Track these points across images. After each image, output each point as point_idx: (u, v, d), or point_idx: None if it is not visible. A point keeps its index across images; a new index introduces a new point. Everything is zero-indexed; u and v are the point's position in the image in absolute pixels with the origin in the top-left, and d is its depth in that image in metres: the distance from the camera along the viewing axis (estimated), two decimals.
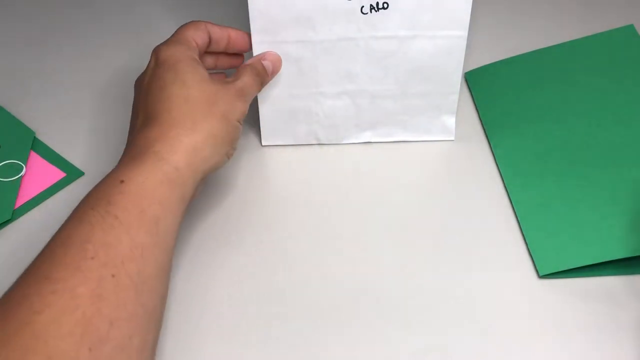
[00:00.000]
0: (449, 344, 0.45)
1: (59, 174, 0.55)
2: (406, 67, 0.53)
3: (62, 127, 0.59)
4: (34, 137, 0.57)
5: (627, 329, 0.45)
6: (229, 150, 0.47)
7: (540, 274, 0.48)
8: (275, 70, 0.52)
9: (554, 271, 0.48)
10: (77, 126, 0.59)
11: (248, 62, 0.51)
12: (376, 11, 0.50)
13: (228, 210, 0.53)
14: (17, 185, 0.54)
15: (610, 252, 0.47)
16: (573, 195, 0.51)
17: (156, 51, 0.48)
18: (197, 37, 0.49)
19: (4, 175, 0.54)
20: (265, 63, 0.51)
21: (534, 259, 0.49)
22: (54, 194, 0.54)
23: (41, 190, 0.54)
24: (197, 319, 0.46)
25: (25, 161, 0.55)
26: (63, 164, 0.56)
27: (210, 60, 0.53)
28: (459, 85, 0.54)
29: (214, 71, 0.54)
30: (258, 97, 0.54)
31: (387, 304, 0.47)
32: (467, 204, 0.53)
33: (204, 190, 0.51)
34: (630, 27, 0.59)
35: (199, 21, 0.50)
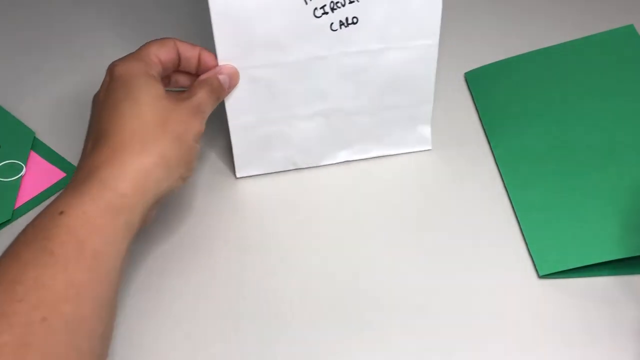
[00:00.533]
0: (448, 345, 0.45)
1: (59, 174, 0.55)
2: (379, 81, 0.52)
3: (62, 127, 0.59)
4: (34, 137, 0.57)
5: (626, 329, 0.45)
6: (184, 172, 0.44)
7: (540, 274, 0.48)
8: (232, 85, 0.50)
9: (554, 271, 0.48)
10: (77, 126, 0.58)
11: (203, 77, 0.48)
12: (346, 27, 0.49)
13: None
14: (17, 185, 0.54)
15: (610, 253, 0.47)
16: (573, 195, 0.51)
17: (111, 66, 0.45)
18: (162, 53, 0.47)
19: (4, 176, 0.54)
20: (222, 77, 0.49)
21: (534, 259, 0.49)
22: (54, 194, 0.54)
23: (41, 190, 0.54)
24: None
25: (25, 161, 0.55)
26: (63, 164, 0.56)
27: (183, 79, 0.51)
28: (433, 94, 0.53)
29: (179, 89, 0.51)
30: (229, 126, 0.52)
31: (386, 304, 0.47)
32: (467, 204, 0.53)
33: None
34: (630, 27, 0.59)
35: (167, 38, 0.48)
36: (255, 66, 0.50)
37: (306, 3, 0.47)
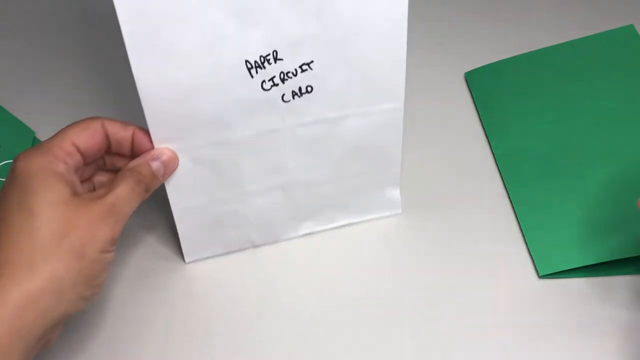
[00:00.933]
0: (448, 344, 0.45)
1: None
2: (340, 150, 0.47)
3: (62, 127, 0.58)
4: (34, 137, 0.57)
5: (626, 329, 0.45)
6: (85, 291, 0.37)
7: (540, 274, 0.48)
8: (168, 171, 0.43)
9: (554, 271, 0.48)
10: None
11: (131, 164, 0.42)
12: (299, 97, 0.44)
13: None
14: None
15: (610, 253, 0.47)
16: (573, 195, 0.51)
17: (15, 159, 0.39)
18: (82, 139, 0.40)
19: (4, 176, 0.54)
20: (155, 165, 0.42)
21: (534, 259, 0.49)
22: None
23: None
24: None
25: None
26: None
27: (119, 161, 0.44)
28: (400, 158, 0.49)
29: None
30: (172, 211, 0.46)
31: (386, 303, 0.47)
32: (467, 204, 0.53)
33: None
34: (631, 27, 0.59)
35: (92, 118, 0.42)
36: (197, 146, 0.44)
37: (252, 76, 0.42)
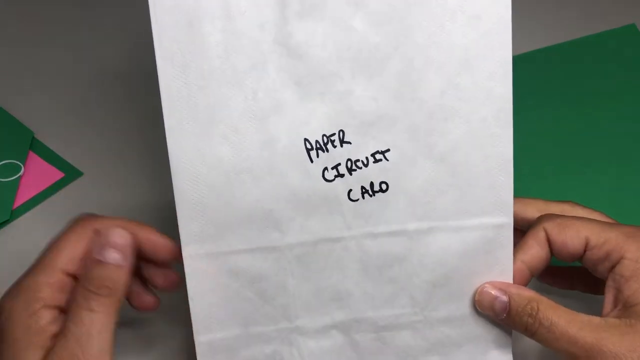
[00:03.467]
0: None
1: (57, 174, 0.55)
2: (425, 278, 0.36)
3: (61, 127, 0.58)
4: (33, 137, 0.57)
5: None
6: None
7: None
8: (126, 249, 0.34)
9: None
10: (76, 126, 0.58)
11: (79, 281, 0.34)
12: (371, 196, 0.34)
13: None
14: (15, 185, 0.53)
15: None
16: (573, 195, 0.51)
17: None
18: (70, 260, 0.34)
19: (3, 176, 0.54)
20: (110, 257, 0.33)
21: None
22: (53, 194, 0.53)
23: (40, 190, 0.54)
24: None
25: (24, 161, 0.55)
26: (62, 164, 0.55)
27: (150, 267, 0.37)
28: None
29: None
30: (195, 343, 0.35)
31: None
32: None
33: None
34: (632, 27, 0.59)
35: (89, 218, 0.35)
36: (234, 252, 0.35)
37: (311, 160, 0.34)
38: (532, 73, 0.60)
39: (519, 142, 0.55)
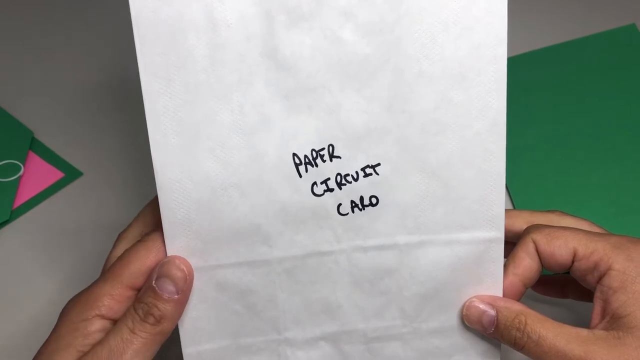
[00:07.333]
0: None
1: (57, 174, 0.55)
2: (415, 291, 0.36)
3: (61, 127, 0.58)
4: (33, 137, 0.57)
5: None
6: None
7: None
8: (183, 286, 0.34)
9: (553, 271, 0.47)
10: (75, 126, 0.59)
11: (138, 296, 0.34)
12: (361, 210, 0.34)
13: None
14: (15, 185, 0.53)
15: None
16: (573, 195, 0.51)
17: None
18: (136, 275, 0.34)
19: (2, 176, 0.54)
20: (164, 285, 0.34)
21: None
22: (53, 194, 0.53)
23: (39, 190, 0.54)
24: None
25: (24, 161, 0.55)
26: (62, 164, 0.56)
27: None
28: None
29: None
30: (183, 355, 0.35)
31: None
32: None
33: None
34: (632, 27, 0.59)
35: (154, 237, 0.35)
36: (223, 266, 0.34)
37: (300, 175, 0.34)
38: (532, 73, 0.60)
39: (518, 142, 0.55)
